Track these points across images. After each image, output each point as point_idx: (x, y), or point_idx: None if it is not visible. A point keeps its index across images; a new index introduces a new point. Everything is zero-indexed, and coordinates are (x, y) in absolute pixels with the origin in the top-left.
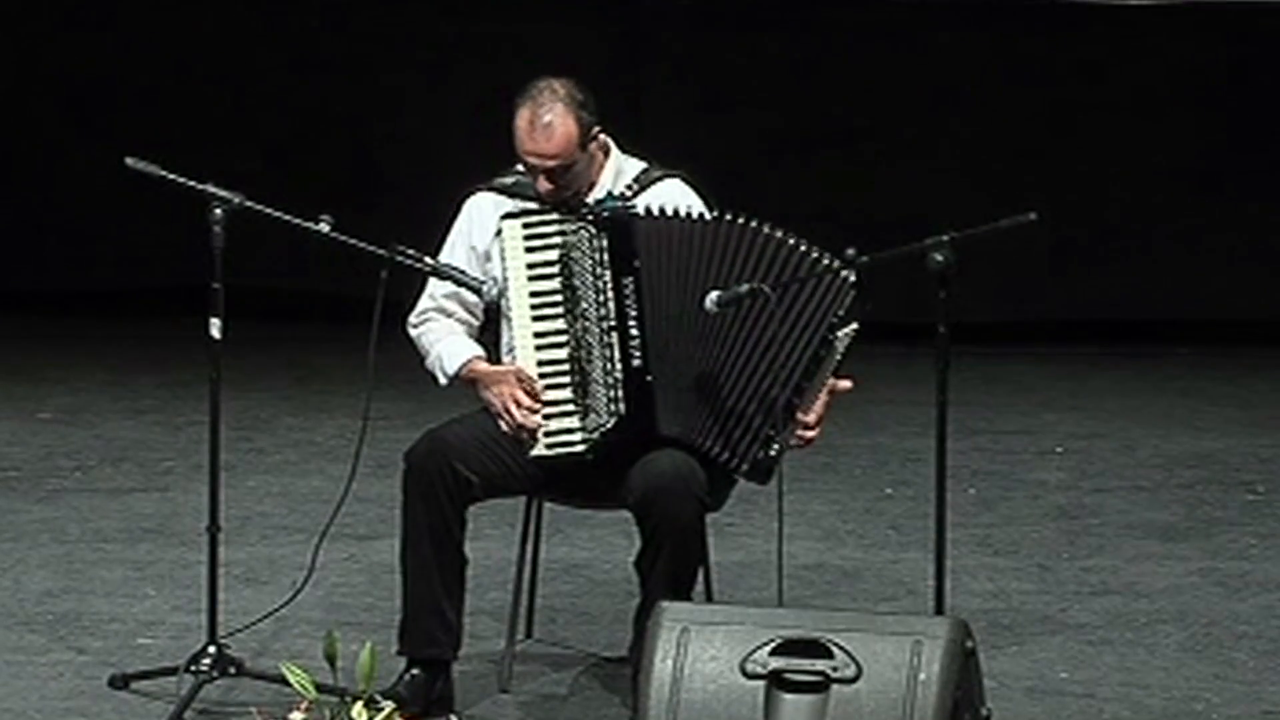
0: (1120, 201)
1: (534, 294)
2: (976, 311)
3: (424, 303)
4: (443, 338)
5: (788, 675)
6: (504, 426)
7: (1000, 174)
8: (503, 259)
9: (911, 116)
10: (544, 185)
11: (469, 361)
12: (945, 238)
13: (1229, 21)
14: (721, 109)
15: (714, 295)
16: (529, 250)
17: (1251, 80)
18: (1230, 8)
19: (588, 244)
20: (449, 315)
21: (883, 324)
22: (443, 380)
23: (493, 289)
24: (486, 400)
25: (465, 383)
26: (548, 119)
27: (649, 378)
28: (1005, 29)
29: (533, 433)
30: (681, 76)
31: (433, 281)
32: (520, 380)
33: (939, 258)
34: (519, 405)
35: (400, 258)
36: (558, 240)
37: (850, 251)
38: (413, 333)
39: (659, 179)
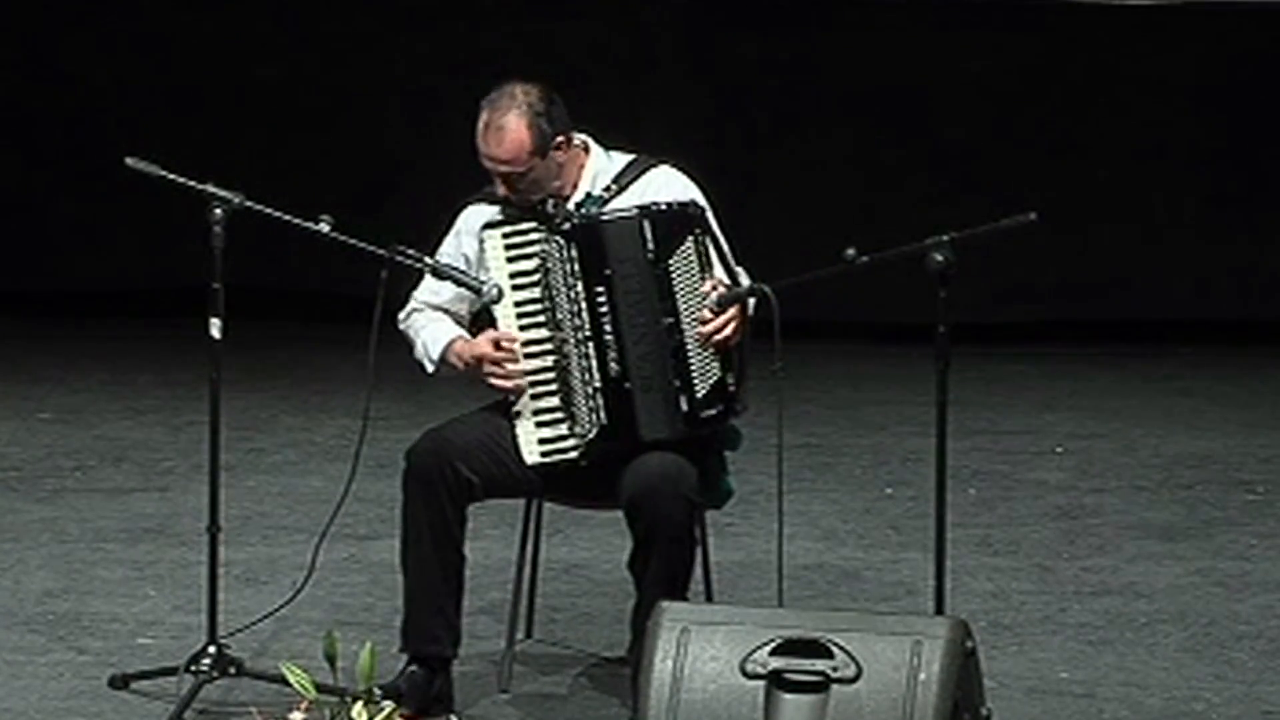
0: (1120, 201)
1: (518, 303)
2: (976, 311)
3: (412, 301)
4: (426, 325)
5: (788, 675)
6: (495, 385)
7: (1000, 174)
8: (487, 269)
9: (911, 116)
10: (501, 188)
11: (451, 343)
12: (945, 238)
13: (1229, 21)
14: (722, 108)
15: (713, 295)
16: (510, 260)
17: (1252, 80)
18: (1230, 8)
19: (559, 254)
20: (436, 309)
21: (883, 324)
22: (429, 367)
23: (492, 289)
24: (473, 375)
25: (451, 365)
26: (500, 124)
27: (627, 385)
28: (1005, 29)
29: (521, 388)
30: (682, 76)
31: (422, 282)
32: (495, 342)
33: (939, 258)
34: (500, 366)
35: (400, 258)
36: (536, 249)
37: (850, 251)
38: (401, 326)
39: (645, 170)
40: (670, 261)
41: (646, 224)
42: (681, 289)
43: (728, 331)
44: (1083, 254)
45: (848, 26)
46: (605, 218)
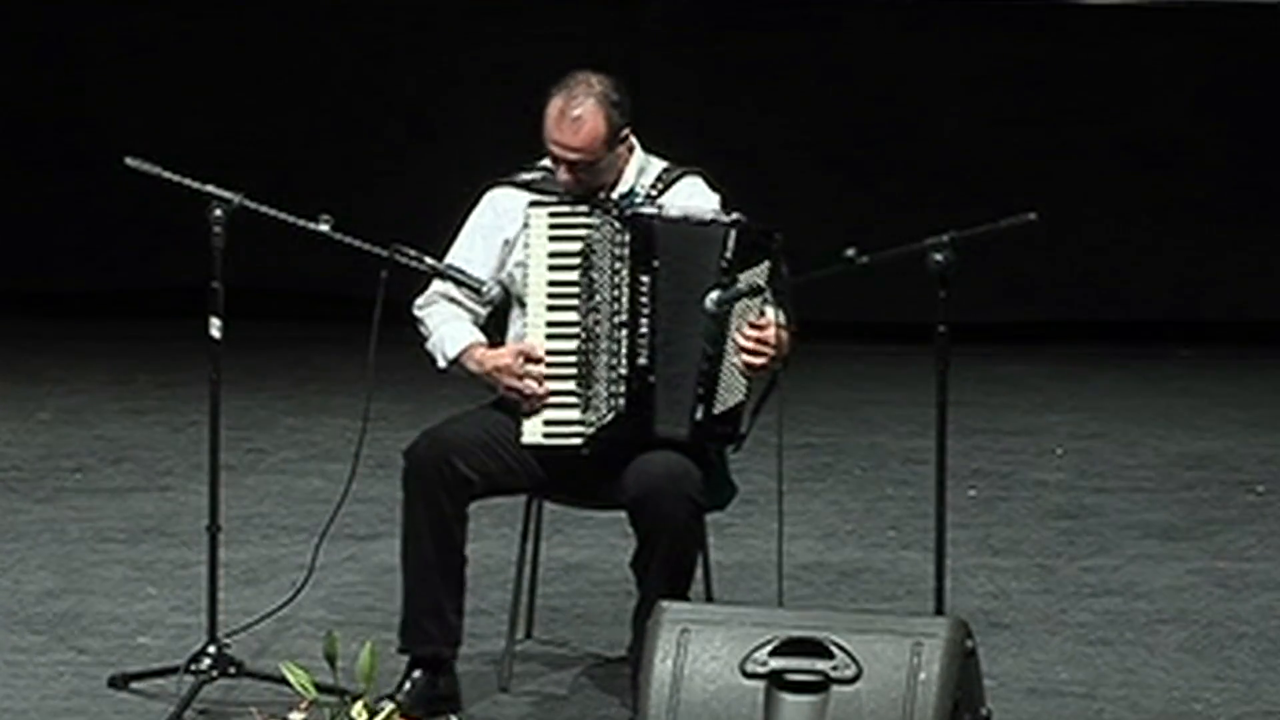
0: (1120, 201)
1: (552, 284)
2: (976, 311)
3: (433, 288)
4: (448, 320)
5: (788, 675)
6: (511, 394)
7: (999, 174)
8: (526, 245)
9: (911, 116)
10: (564, 176)
11: (469, 347)
12: (945, 238)
13: (1229, 21)
14: (721, 108)
15: (714, 295)
16: (553, 240)
17: (1253, 80)
18: (1230, 8)
19: (611, 239)
20: (455, 304)
21: (883, 324)
22: (442, 363)
23: (492, 289)
24: (491, 382)
25: (464, 367)
26: (577, 112)
27: (651, 378)
28: (1005, 29)
29: (539, 410)
30: (681, 75)
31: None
32: (522, 357)
33: (939, 258)
34: (522, 380)
35: (400, 258)
36: (582, 233)
37: (850, 251)
38: (418, 314)
39: (680, 176)
40: (740, 277)
41: (733, 234)
42: (739, 307)
43: (761, 359)
44: (1083, 254)
45: (846, 27)
46: (683, 215)
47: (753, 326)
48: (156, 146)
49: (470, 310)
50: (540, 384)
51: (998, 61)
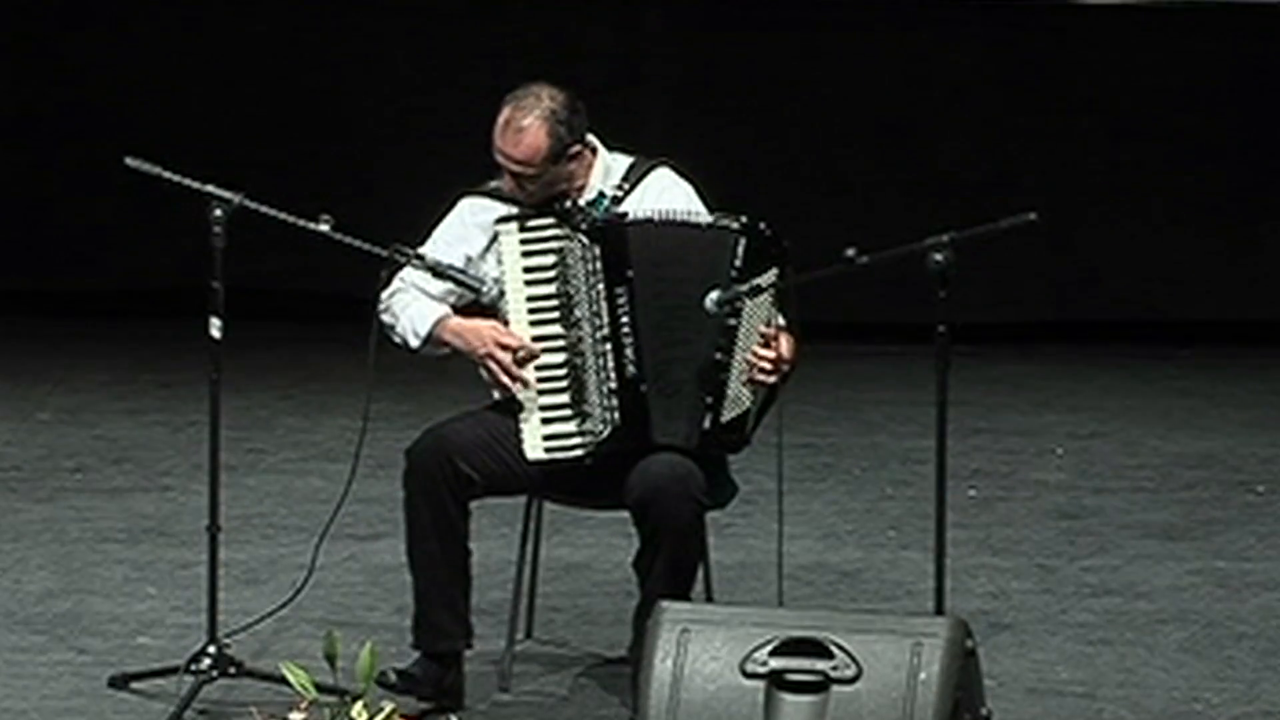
0: (1120, 201)
1: (531, 298)
2: (976, 311)
3: (397, 282)
4: (410, 304)
5: (788, 675)
6: (486, 375)
7: (999, 174)
8: (500, 262)
9: (912, 116)
10: (508, 184)
11: (441, 319)
12: (945, 238)
13: (1230, 21)
14: (721, 109)
15: (714, 295)
16: (525, 254)
17: (1253, 80)
18: (1230, 8)
19: (581, 254)
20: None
21: (883, 324)
22: (414, 342)
23: (492, 289)
24: (466, 348)
25: (440, 343)
26: (521, 124)
27: (643, 388)
28: (1004, 29)
29: (525, 382)
30: (677, 77)
31: (406, 269)
32: (497, 329)
33: (939, 258)
34: (505, 350)
35: (400, 257)
36: (553, 245)
37: (850, 251)
38: (382, 304)
39: (648, 171)
40: (747, 285)
41: (741, 241)
42: (748, 313)
43: (769, 377)
44: (1082, 254)
45: (845, 27)
46: (665, 219)
47: (763, 344)
48: (156, 146)
49: (436, 298)
50: (527, 353)
51: (998, 61)
